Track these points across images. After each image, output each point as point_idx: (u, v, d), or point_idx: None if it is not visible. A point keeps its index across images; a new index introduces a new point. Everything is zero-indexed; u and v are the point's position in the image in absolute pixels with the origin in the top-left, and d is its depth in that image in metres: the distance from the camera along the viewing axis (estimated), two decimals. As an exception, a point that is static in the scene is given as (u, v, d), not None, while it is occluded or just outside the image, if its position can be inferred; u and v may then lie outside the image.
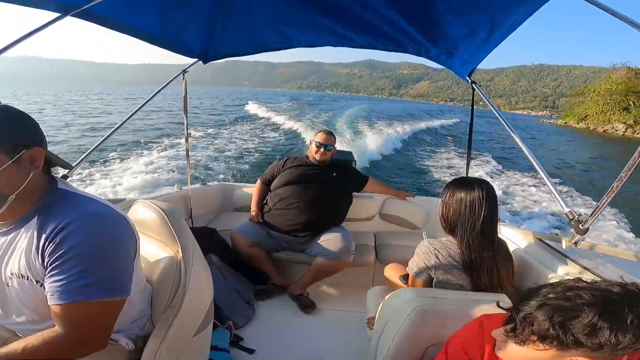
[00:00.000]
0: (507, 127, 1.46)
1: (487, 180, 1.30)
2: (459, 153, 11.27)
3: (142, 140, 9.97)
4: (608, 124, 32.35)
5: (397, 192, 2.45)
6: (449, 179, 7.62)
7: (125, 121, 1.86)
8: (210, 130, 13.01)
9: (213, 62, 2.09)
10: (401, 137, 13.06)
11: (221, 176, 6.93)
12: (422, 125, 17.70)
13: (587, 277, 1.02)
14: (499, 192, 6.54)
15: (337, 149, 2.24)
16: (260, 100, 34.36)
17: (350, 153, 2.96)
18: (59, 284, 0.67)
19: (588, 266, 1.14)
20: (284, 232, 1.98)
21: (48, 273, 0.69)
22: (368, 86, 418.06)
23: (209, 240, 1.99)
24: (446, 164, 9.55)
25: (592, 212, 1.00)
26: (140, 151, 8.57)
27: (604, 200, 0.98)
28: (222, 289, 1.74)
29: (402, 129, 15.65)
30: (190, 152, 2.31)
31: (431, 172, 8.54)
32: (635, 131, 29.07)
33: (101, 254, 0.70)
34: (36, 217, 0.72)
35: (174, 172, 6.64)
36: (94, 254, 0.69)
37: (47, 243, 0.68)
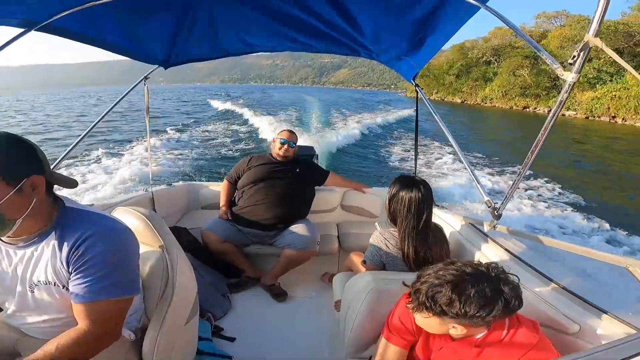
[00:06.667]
0: (440, 124, 1.69)
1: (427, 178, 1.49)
2: (410, 144, 11.29)
3: (104, 144, 9.39)
4: (430, 94, 49.87)
5: (355, 185, 2.53)
6: (402, 169, 7.98)
7: (90, 129, 1.81)
8: (171, 132, 12.14)
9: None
10: (358, 130, 12.68)
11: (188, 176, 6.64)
12: (378, 118, 16.94)
13: (501, 253, 1.25)
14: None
15: (299, 144, 2.30)
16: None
17: (312, 148, 2.99)
18: (83, 285, 0.77)
19: (502, 244, 1.31)
20: (254, 227, 2.01)
21: (73, 277, 0.78)
22: (291, 76, 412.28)
23: (179, 239, 1.93)
24: (400, 154, 9.84)
25: (502, 202, 1.17)
26: (102, 155, 8.11)
27: (510, 190, 1.13)
28: (198, 285, 1.75)
29: (357, 121, 15.24)
30: (152, 155, 2.18)
31: (385, 162, 8.86)
32: (435, 96, 48.57)
33: (117, 261, 0.80)
34: (54, 233, 0.80)
35: (138, 174, 6.24)
36: (111, 261, 0.79)
37: (71, 253, 0.77)
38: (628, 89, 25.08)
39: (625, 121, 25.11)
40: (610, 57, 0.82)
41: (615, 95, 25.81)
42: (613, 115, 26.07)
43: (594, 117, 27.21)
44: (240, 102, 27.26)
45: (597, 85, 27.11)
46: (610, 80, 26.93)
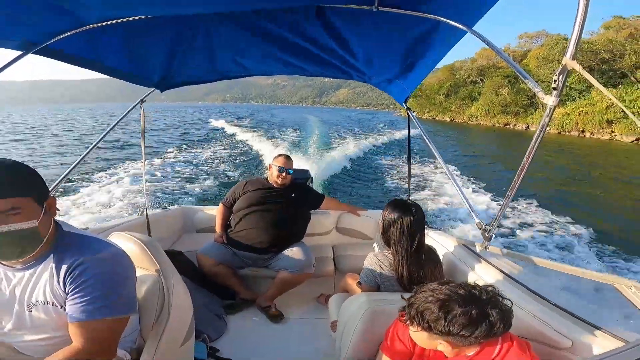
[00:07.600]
0: (432, 148, 1.71)
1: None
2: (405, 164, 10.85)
3: (101, 166, 9.08)
4: (422, 114, 51.95)
5: (350, 208, 2.48)
6: (396, 191, 7.68)
7: (88, 152, 1.78)
8: (169, 154, 11.70)
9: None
10: (355, 152, 12.27)
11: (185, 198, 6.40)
12: (376, 139, 16.36)
13: (492, 272, 1.26)
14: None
15: (294, 167, 2.27)
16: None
17: (307, 171, 2.97)
18: (79, 305, 0.77)
19: (493, 264, 1.30)
20: (249, 250, 1.97)
21: (70, 298, 0.79)
22: (292, 96, 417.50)
23: (174, 262, 1.88)
24: (394, 176, 9.62)
25: (491, 223, 1.18)
26: (100, 177, 7.78)
27: (499, 213, 1.14)
28: (193, 307, 1.70)
29: (355, 143, 14.54)
30: (148, 178, 2.13)
31: (381, 185, 8.54)
32: (427, 116, 50.34)
33: (113, 282, 0.81)
34: (52, 256, 0.81)
35: (133, 197, 6.08)
36: (108, 282, 0.80)
37: (67, 275, 0.78)
38: (593, 104, 26.14)
39: (593, 135, 26.09)
40: (582, 75, 0.81)
41: (582, 111, 26.86)
42: (582, 129, 27.06)
43: (565, 132, 28.20)
44: (242, 123, 26.89)
45: (567, 102, 28.14)
46: (579, 97, 28.01)
